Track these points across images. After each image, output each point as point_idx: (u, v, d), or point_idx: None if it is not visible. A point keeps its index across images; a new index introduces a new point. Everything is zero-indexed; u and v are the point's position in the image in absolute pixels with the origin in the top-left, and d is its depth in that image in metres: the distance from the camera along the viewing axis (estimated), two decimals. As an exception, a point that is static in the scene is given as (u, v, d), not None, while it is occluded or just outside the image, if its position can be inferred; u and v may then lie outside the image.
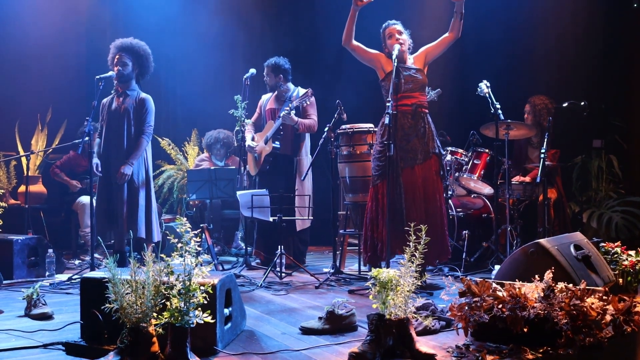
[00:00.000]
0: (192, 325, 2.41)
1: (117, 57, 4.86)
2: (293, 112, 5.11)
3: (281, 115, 5.12)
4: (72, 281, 4.42)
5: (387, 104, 3.93)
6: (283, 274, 4.64)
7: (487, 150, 5.36)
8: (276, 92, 5.47)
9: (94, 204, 4.64)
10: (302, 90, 5.41)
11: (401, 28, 4.36)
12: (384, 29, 4.39)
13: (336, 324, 3.02)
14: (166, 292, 2.43)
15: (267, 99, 5.57)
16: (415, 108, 4.27)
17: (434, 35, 4.43)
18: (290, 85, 5.46)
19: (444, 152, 5.32)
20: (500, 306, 2.57)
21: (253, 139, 5.46)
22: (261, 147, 5.38)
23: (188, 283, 2.43)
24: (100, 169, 4.83)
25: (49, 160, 6.68)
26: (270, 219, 4.79)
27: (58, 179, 6.23)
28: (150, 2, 7.14)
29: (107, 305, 2.44)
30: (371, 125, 4.94)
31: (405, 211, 4.16)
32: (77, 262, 5.64)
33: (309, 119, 5.28)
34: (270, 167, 5.37)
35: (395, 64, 4.09)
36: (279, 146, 5.29)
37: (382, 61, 4.38)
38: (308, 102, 5.15)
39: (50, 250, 4.84)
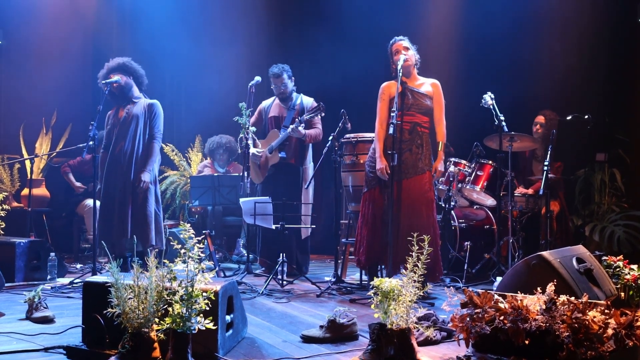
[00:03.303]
0: (193, 332, 2.41)
1: (112, 76, 4.85)
2: (302, 125, 5.12)
3: (290, 129, 5.12)
4: (74, 285, 4.43)
5: (392, 114, 3.94)
6: (284, 282, 4.64)
7: (490, 162, 5.36)
8: (277, 99, 5.47)
9: (97, 213, 4.65)
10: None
11: (408, 44, 4.35)
12: (390, 45, 4.38)
13: (337, 333, 3.02)
14: (168, 298, 2.44)
15: (268, 105, 5.53)
16: (413, 126, 4.27)
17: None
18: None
19: (448, 163, 5.33)
20: (501, 318, 2.56)
21: (255, 146, 5.45)
22: (265, 155, 5.38)
23: (190, 289, 2.43)
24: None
25: (53, 163, 6.70)
26: (273, 227, 4.79)
27: (65, 177, 6.29)
28: (156, 8, 7.18)
29: (109, 309, 2.44)
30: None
31: (385, 223, 4.12)
32: (78, 265, 5.64)
33: (314, 129, 5.29)
34: (276, 176, 5.36)
35: (400, 73, 4.12)
36: (285, 156, 5.30)
37: (392, 89, 4.29)
38: (320, 116, 5.13)
39: (52, 254, 4.85)
